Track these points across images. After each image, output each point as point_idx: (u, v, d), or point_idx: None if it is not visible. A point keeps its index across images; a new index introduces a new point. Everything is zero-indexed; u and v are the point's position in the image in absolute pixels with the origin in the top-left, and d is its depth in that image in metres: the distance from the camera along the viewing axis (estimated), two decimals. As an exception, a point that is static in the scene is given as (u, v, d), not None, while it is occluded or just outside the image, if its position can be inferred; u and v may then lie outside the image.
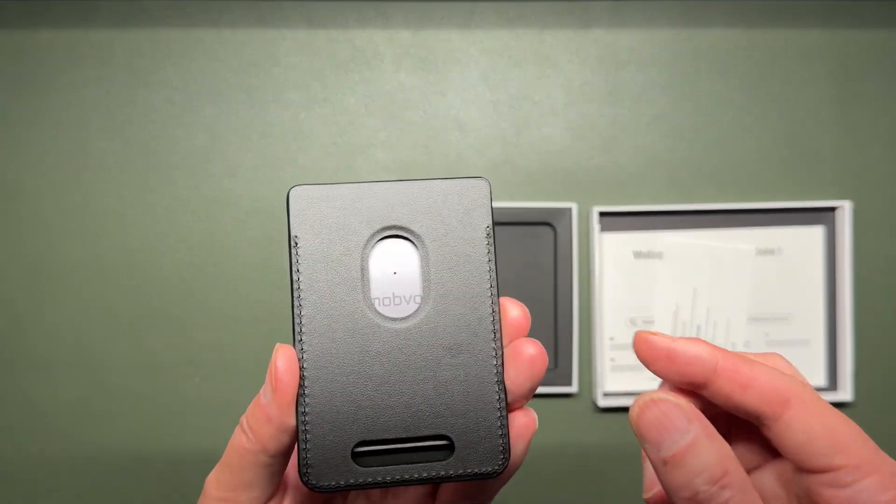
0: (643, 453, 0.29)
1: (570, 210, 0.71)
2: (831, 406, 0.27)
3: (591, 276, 0.72)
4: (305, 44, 0.73)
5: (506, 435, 0.28)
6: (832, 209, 0.73)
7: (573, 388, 0.71)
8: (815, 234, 0.73)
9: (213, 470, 0.29)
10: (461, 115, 0.73)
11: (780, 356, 0.29)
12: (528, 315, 0.29)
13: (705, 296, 0.73)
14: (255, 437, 0.27)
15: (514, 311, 0.29)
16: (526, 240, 0.72)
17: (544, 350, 0.28)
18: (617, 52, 0.74)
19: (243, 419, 0.28)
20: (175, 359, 0.72)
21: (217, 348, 0.72)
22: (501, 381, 0.28)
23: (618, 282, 0.73)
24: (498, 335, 0.28)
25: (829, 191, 0.74)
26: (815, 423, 0.26)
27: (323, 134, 0.73)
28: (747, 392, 0.26)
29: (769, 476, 0.28)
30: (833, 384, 0.73)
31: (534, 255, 0.72)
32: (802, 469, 0.26)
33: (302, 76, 0.73)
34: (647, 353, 0.28)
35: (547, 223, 0.72)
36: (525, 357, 0.28)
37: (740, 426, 0.29)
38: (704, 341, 0.28)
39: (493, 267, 0.29)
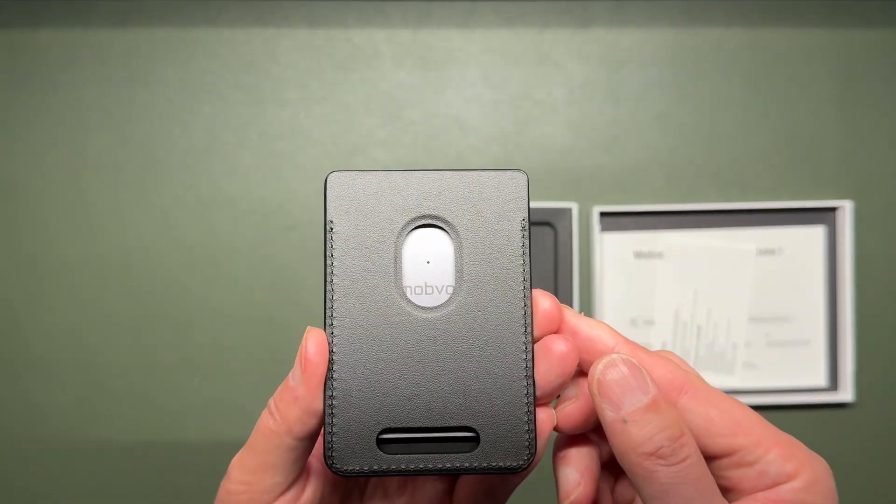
0: (556, 461, 0.30)
1: (570, 210, 0.71)
2: (724, 393, 0.28)
3: (591, 276, 0.72)
4: (304, 43, 0.73)
5: (532, 430, 0.28)
6: (833, 209, 0.73)
7: (573, 389, 0.71)
8: (815, 234, 0.73)
9: (238, 453, 0.29)
10: (461, 114, 0.73)
11: (673, 353, 0.30)
12: (560, 307, 0.29)
13: (706, 296, 0.73)
14: (282, 418, 0.28)
15: (546, 303, 0.29)
16: (526, 240, 0.71)
17: (575, 347, 0.28)
18: (617, 51, 0.73)
19: (271, 401, 0.28)
20: (173, 358, 0.71)
21: (215, 347, 0.72)
22: (531, 376, 0.28)
23: (618, 282, 0.72)
24: (529, 329, 0.28)
25: (829, 191, 0.73)
26: (711, 408, 0.27)
27: (322, 133, 0.72)
28: None
29: None
30: (834, 384, 0.73)
31: (534, 255, 0.71)
32: (706, 456, 0.27)
33: (301, 75, 0.72)
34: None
35: (547, 223, 0.71)
36: (556, 353, 0.28)
37: None
38: (609, 326, 0.29)
39: (527, 260, 0.29)
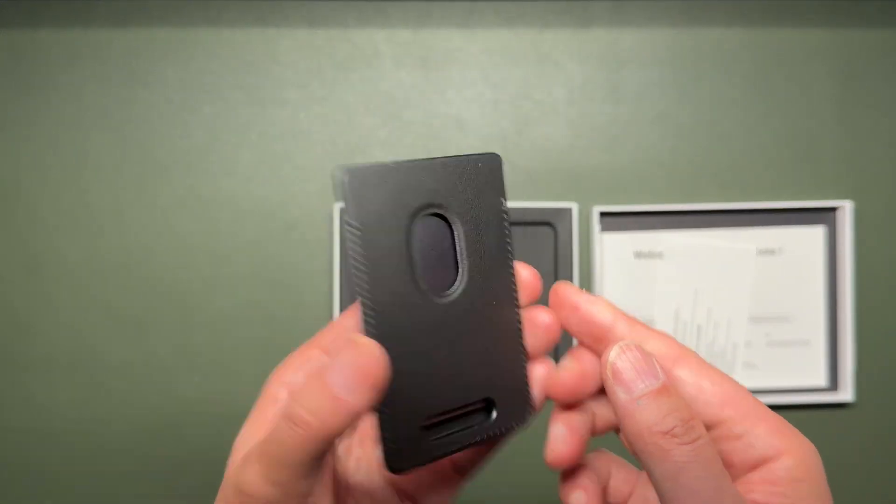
0: (552, 419, 0.31)
1: (570, 210, 0.71)
2: (718, 369, 0.29)
3: (591, 276, 0.72)
4: (304, 42, 0.73)
5: (529, 390, 0.31)
6: (833, 209, 0.73)
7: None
8: (816, 234, 0.73)
9: (252, 469, 0.27)
10: (461, 113, 0.73)
11: (669, 335, 0.31)
12: (538, 275, 0.31)
13: (706, 296, 0.72)
14: (320, 423, 0.25)
15: (525, 273, 0.31)
16: (526, 240, 0.71)
17: (557, 318, 0.31)
18: (618, 50, 0.73)
19: (299, 409, 0.25)
20: (173, 357, 0.71)
21: (215, 347, 0.71)
22: (524, 342, 0.31)
23: (618, 282, 0.72)
24: (518, 300, 0.31)
25: (830, 191, 0.73)
26: (703, 379, 0.29)
27: (322, 133, 0.72)
28: None
29: None
30: (833, 384, 0.73)
31: (534, 255, 0.71)
32: None
33: (301, 75, 0.72)
34: (556, 300, 0.31)
35: (547, 223, 0.71)
36: (541, 325, 0.30)
37: None
38: (608, 302, 0.31)
39: (510, 233, 0.31)
